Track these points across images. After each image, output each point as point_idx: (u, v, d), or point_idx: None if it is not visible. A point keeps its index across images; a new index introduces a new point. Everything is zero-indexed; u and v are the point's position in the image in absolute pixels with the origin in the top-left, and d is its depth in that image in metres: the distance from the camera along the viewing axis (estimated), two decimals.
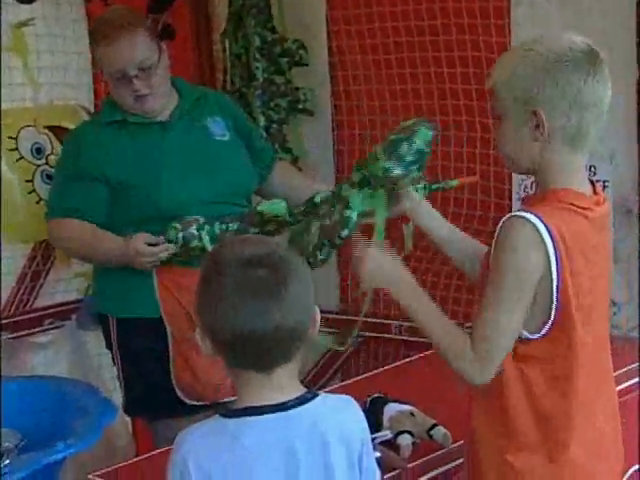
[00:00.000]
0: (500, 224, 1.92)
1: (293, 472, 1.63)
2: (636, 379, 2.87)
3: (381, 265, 2.09)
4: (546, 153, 1.95)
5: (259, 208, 2.73)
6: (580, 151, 1.97)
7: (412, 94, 3.61)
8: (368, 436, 1.75)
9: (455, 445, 2.32)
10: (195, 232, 2.74)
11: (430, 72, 3.53)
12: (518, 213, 1.91)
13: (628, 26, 3.05)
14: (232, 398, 2.93)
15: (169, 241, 2.75)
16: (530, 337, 1.94)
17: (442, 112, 3.55)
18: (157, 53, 2.90)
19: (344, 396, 1.75)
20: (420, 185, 2.34)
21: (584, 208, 1.95)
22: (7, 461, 2.57)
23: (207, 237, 2.73)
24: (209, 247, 2.71)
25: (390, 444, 2.27)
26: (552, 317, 1.91)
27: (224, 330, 1.61)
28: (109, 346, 3.07)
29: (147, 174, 2.87)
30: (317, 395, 1.69)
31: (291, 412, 1.64)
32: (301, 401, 1.65)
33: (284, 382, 1.65)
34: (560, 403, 1.97)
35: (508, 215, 1.93)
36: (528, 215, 1.88)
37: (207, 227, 2.74)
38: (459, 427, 2.32)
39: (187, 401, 2.94)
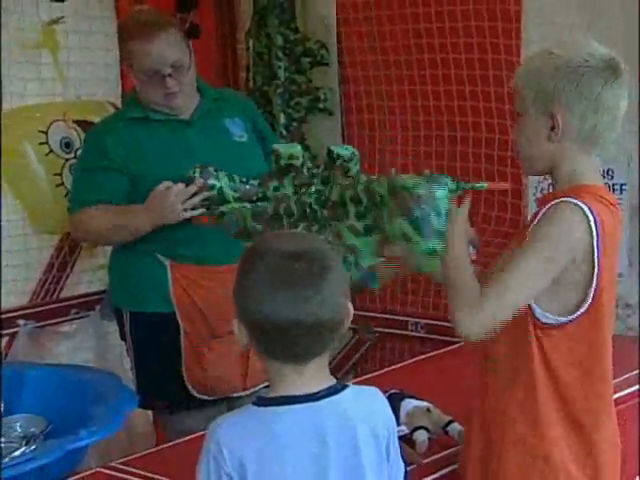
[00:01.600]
0: (546, 207, 1.92)
1: (324, 460, 1.64)
2: None
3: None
4: (560, 153, 1.97)
5: (275, 146, 2.69)
6: (592, 153, 2.00)
7: (421, 95, 3.62)
8: (395, 427, 1.76)
9: None
10: (213, 172, 2.70)
11: (438, 74, 3.55)
12: (567, 199, 1.91)
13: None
14: (242, 393, 2.99)
15: (188, 178, 2.71)
16: (560, 320, 1.94)
17: (449, 112, 3.57)
18: (188, 53, 2.91)
19: (371, 387, 1.76)
20: (452, 183, 2.30)
21: (613, 205, 1.97)
22: (33, 446, 2.55)
23: (226, 179, 2.70)
24: (229, 194, 2.68)
25: (406, 439, 2.26)
26: (590, 300, 1.92)
27: (264, 320, 1.61)
28: (123, 338, 3.09)
29: (168, 168, 2.86)
30: (347, 386, 1.70)
31: (322, 402, 1.65)
32: (331, 392, 1.66)
33: (316, 373, 1.66)
34: (585, 392, 2.00)
35: (556, 200, 1.92)
36: (577, 201, 1.89)
37: (226, 174, 2.72)
38: None
39: (198, 396, 2.95)
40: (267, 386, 2.97)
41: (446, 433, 2.33)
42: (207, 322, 2.92)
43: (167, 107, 2.92)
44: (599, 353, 2.00)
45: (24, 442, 2.60)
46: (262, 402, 1.68)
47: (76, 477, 2.32)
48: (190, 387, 2.94)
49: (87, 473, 2.34)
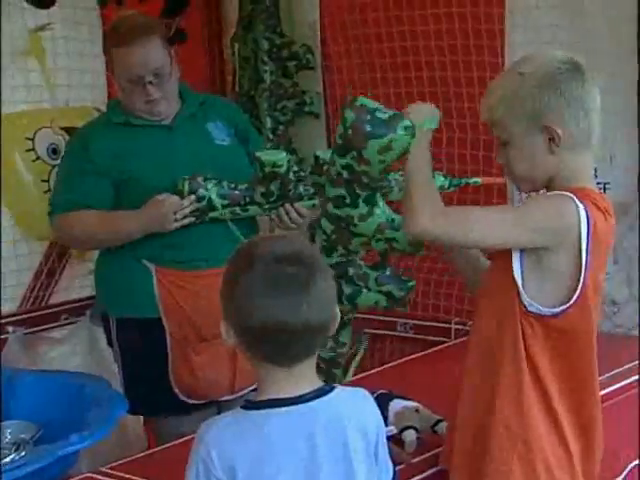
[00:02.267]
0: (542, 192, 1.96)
1: (314, 462, 1.64)
2: (636, 377, 2.84)
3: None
4: (559, 162, 1.97)
5: (257, 154, 2.69)
6: (591, 152, 2.01)
7: (406, 97, 3.58)
8: (383, 428, 1.77)
9: None
10: (202, 182, 2.74)
11: (423, 76, 3.55)
12: (562, 192, 1.93)
13: (628, 30, 3.04)
14: (231, 397, 2.97)
15: (178, 192, 2.74)
16: (550, 312, 1.94)
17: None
18: (169, 60, 2.89)
19: (359, 389, 1.76)
20: (445, 180, 2.27)
21: (605, 209, 1.97)
22: (23, 453, 2.55)
23: (214, 189, 2.74)
24: (217, 202, 2.73)
25: (395, 439, 2.25)
26: (578, 292, 1.92)
27: (254, 323, 1.60)
28: (110, 344, 3.07)
29: (150, 173, 2.86)
30: (334, 388, 1.70)
31: (312, 403, 1.65)
32: (320, 393, 1.66)
33: (305, 375, 1.66)
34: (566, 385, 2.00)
35: (551, 193, 1.95)
36: (572, 195, 1.91)
37: (214, 182, 2.75)
38: None
39: (186, 400, 2.93)
40: (256, 389, 2.99)
41: (435, 432, 2.32)
42: (194, 326, 2.90)
43: (149, 114, 2.90)
44: (582, 349, 2.00)
45: (14, 448, 2.59)
46: (252, 405, 1.67)
47: None
48: (178, 392, 2.92)
49: (78, 478, 2.32)
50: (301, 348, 1.64)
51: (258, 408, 1.65)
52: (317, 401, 1.65)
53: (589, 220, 1.90)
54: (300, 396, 1.64)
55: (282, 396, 1.64)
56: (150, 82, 2.83)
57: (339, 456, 1.66)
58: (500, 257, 1.98)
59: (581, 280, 1.92)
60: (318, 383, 1.69)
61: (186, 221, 2.80)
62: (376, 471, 1.73)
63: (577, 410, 2.03)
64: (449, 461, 2.12)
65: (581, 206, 1.90)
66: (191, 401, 2.93)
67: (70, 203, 2.92)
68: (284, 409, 1.63)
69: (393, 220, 2.13)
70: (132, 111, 2.92)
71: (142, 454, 2.53)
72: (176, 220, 2.79)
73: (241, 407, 1.67)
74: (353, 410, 1.69)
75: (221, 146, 2.98)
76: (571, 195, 1.91)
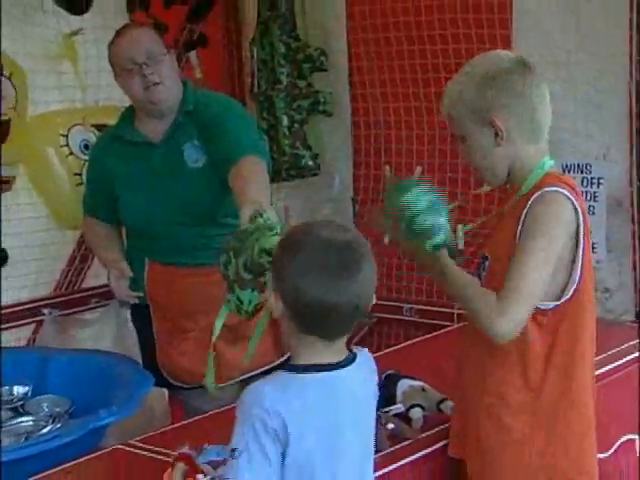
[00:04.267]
0: (535, 197, 1.91)
1: (341, 421, 1.69)
2: (635, 354, 2.86)
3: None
4: (512, 153, 1.98)
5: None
6: (541, 141, 2.01)
7: (424, 97, 3.60)
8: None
9: None
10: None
11: (441, 77, 3.49)
12: (552, 189, 1.91)
13: (622, 32, 3.03)
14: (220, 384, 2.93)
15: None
16: (550, 306, 1.94)
17: None
18: (163, 46, 2.81)
19: (364, 352, 1.79)
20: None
21: (574, 188, 1.97)
22: (58, 424, 2.57)
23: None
24: None
25: (403, 417, 2.26)
26: (576, 281, 1.93)
27: (308, 301, 1.63)
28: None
29: (127, 191, 2.86)
30: (356, 355, 1.75)
31: (344, 370, 1.70)
32: (348, 362, 1.71)
33: (341, 347, 1.72)
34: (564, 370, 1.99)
35: (541, 191, 1.92)
36: (561, 189, 1.91)
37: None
38: None
39: (174, 383, 2.92)
40: (242, 380, 2.91)
41: (440, 410, 2.31)
42: (175, 319, 2.87)
43: (151, 104, 2.79)
44: (579, 336, 1.99)
45: (51, 420, 2.62)
46: (294, 369, 1.70)
47: (97, 454, 2.29)
48: (165, 375, 2.90)
49: (107, 450, 2.31)
50: (345, 326, 1.69)
51: (301, 372, 1.69)
52: (349, 367, 1.71)
53: (578, 205, 1.91)
54: (337, 363, 1.69)
55: (322, 362, 1.69)
56: (145, 64, 2.72)
57: (368, 413, 1.77)
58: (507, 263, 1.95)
59: (579, 264, 1.92)
60: (347, 352, 1.74)
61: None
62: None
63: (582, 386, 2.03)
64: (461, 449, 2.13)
65: (568, 193, 1.91)
66: (177, 384, 2.91)
67: (86, 208, 3.01)
68: (319, 374, 1.68)
69: None
70: (135, 104, 2.86)
71: (167, 428, 2.52)
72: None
73: (284, 370, 1.71)
74: (371, 374, 1.79)
75: (193, 168, 2.82)
76: (555, 189, 1.91)
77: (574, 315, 1.97)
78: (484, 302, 1.89)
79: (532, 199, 1.91)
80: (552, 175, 1.98)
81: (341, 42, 3.77)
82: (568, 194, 1.91)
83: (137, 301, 2.86)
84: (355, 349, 1.77)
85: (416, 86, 3.59)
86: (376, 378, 1.82)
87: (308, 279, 1.63)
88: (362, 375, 1.75)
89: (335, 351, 1.70)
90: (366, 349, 1.80)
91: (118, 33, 2.85)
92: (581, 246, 1.92)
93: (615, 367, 2.74)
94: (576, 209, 1.91)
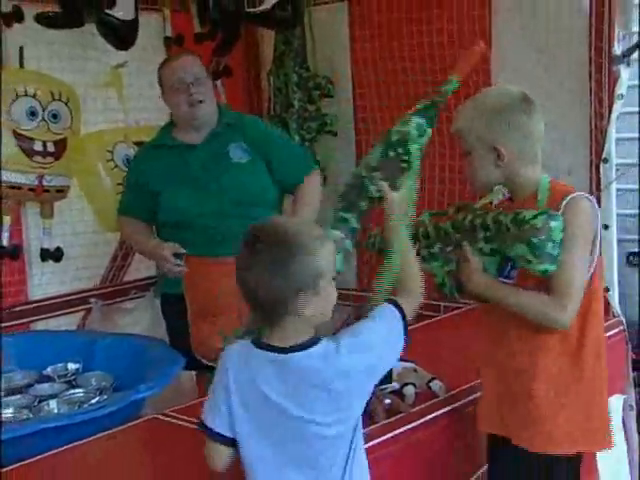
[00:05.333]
0: (566, 203, 1.95)
1: (274, 400, 1.65)
2: (621, 327, 2.98)
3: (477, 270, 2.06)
4: (509, 172, 2.02)
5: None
6: (538, 166, 2.05)
7: None
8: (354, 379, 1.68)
9: (449, 394, 2.33)
10: None
11: None
12: (579, 194, 1.97)
13: (582, 68, 3.03)
14: None
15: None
16: None
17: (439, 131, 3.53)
18: (206, 72, 2.90)
19: (338, 346, 1.66)
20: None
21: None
22: (105, 396, 2.59)
23: None
24: None
25: (397, 393, 2.27)
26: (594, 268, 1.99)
27: (244, 291, 1.66)
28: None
29: (173, 186, 2.85)
30: (317, 342, 1.65)
31: (285, 355, 1.64)
32: (297, 349, 1.64)
33: (288, 332, 1.65)
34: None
35: (571, 196, 1.96)
36: (587, 195, 2.00)
37: None
38: (452, 380, 2.36)
39: (205, 362, 2.86)
40: None
41: (429, 388, 2.32)
42: (209, 304, 2.85)
43: (193, 118, 2.86)
44: (597, 314, 2.05)
45: (98, 393, 2.64)
46: (254, 342, 1.69)
47: (137, 422, 2.32)
48: (197, 355, 2.88)
49: (145, 419, 2.35)
50: (267, 314, 1.64)
51: (257, 347, 1.68)
52: (291, 355, 1.63)
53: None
54: (282, 348, 1.64)
55: (271, 343, 1.66)
56: (192, 84, 2.81)
57: (300, 402, 1.63)
58: None
59: (595, 258, 1.98)
60: (304, 338, 1.65)
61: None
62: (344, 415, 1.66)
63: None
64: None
65: (592, 198, 1.99)
66: (209, 364, 2.82)
67: (122, 209, 3.01)
68: (271, 354, 1.64)
69: None
70: (179, 120, 2.90)
71: (194, 401, 2.51)
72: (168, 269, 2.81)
73: (250, 341, 1.70)
74: (321, 366, 1.63)
75: (238, 163, 2.88)
76: (581, 194, 1.97)
77: (594, 296, 2.02)
78: (542, 303, 1.95)
79: (565, 204, 1.94)
80: (558, 184, 2.04)
81: (345, 72, 3.77)
82: (591, 199, 1.98)
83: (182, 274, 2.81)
84: (329, 342, 1.65)
85: (410, 110, 3.60)
86: (335, 370, 1.63)
87: (247, 272, 1.65)
88: (313, 364, 1.63)
89: (281, 337, 1.64)
90: (342, 346, 1.64)
91: (170, 58, 2.95)
92: (599, 239, 1.98)
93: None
94: (597, 212, 1.98)
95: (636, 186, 3.59)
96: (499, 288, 2.01)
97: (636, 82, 3.42)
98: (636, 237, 4.31)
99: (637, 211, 3.65)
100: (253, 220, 2.79)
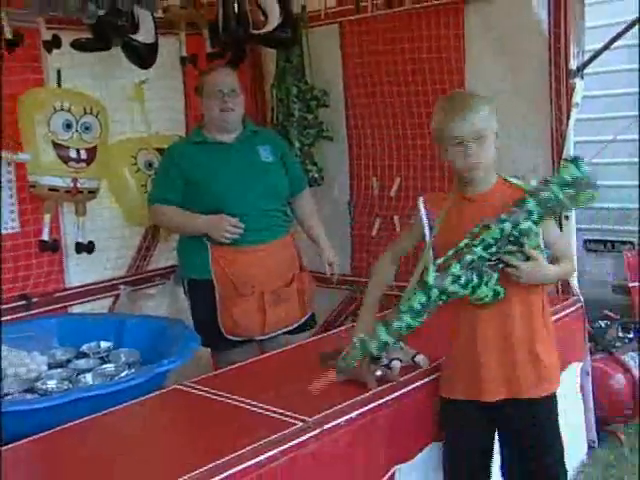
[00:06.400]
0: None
1: None
2: (579, 304, 3.04)
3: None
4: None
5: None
6: None
7: (402, 125, 3.60)
8: None
9: (431, 366, 2.35)
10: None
11: (413, 111, 3.53)
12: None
13: (542, 78, 3.05)
14: (262, 337, 2.95)
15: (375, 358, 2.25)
16: None
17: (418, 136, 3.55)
18: (240, 86, 2.97)
19: None
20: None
21: None
22: (133, 370, 2.61)
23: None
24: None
25: (387, 366, 2.29)
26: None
27: None
28: (185, 295, 3.12)
29: (210, 178, 2.89)
30: None
31: None
32: None
33: None
34: None
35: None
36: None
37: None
38: (433, 353, 2.36)
39: (230, 338, 2.94)
40: (284, 332, 2.96)
41: (414, 362, 2.34)
42: (234, 286, 2.90)
43: (222, 122, 2.92)
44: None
45: (127, 367, 2.66)
46: None
47: (161, 391, 2.34)
48: (224, 332, 2.92)
49: (168, 389, 2.36)
50: None
51: None
52: None
53: None
54: None
55: None
56: (227, 94, 2.88)
57: None
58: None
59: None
60: None
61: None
62: None
63: None
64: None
65: None
66: (234, 338, 2.94)
67: (158, 197, 2.99)
68: None
69: None
70: (210, 123, 2.94)
71: (210, 374, 2.53)
72: (224, 237, 2.83)
73: None
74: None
75: (266, 162, 2.99)
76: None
77: None
78: (568, 266, 2.16)
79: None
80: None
81: (339, 86, 3.76)
82: None
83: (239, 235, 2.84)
84: None
85: (395, 117, 3.58)
86: None
87: None
88: None
89: None
90: None
91: (213, 68, 3.03)
92: None
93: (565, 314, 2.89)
94: None
95: None
96: (552, 270, 2.08)
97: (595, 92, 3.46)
98: (593, 226, 4.38)
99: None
100: (271, 212, 2.94)
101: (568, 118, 2.98)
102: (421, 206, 2.16)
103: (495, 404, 2.13)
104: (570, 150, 3.01)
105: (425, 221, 2.14)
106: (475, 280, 2.00)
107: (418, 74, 3.45)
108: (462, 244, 2.00)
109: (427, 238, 2.12)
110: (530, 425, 2.14)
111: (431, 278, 2.00)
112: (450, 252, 2.00)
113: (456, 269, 1.99)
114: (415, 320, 2.05)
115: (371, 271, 2.37)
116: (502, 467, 2.24)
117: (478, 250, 1.99)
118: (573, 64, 2.96)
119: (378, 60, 3.58)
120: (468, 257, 1.99)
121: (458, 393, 2.18)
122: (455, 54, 3.31)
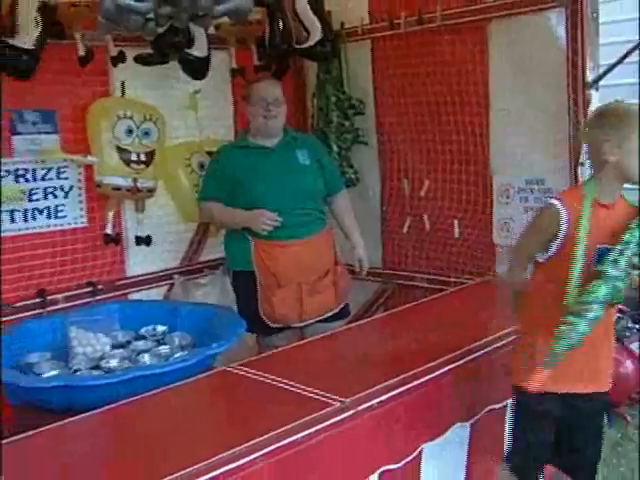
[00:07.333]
0: None
1: None
2: None
3: None
4: None
5: None
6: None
7: (430, 131, 3.56)
8: None
9: (452, 355, 2.30)
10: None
11: (441, 119, 3.49)
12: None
13: (561, 89, 3.01)
14: (299, 324, 2.93)
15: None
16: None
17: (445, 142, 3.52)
18: (283, 96, 2.95)
19: None
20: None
21: None
22: (186, 352, 2.62)
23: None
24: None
25: None
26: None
27: None
28: (231, 285, 3.12)
29: (256, 178, 2.89)
30: None
31: None
32: None
33: None
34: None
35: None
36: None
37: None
38: (457, 341, 2.33)
39: (270, 325, 2.93)
40: (319, 320, 2.98)
41: None
42: (275, 277, 2.90)
43: (265, 128, 2.91)
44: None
45: (180, 349, 2.68)
46: None
47: (211, 372, 2.34)
48: (265, 319, 2.92)
49: (216, 370, 2.36)
50: None
51: None
52: None
53: None
54: None
55: None
56: (271, 103, 2.88)
57: None
58: None
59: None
60: None
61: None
62: None
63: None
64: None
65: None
66: (274, 325, 2.94)
67: (207, 196, 3.01)
68: None
69: None
70: (254, 129, 2.94)
71: (255, 358, 2.52)
72: (263, 229, 2.83)
73: None
74: None
75: (304, 165, 2.98)
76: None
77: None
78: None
79: None
80: None
81: (370, 95, 3.74)
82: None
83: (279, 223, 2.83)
84: None
85: (425, 124, 3.54)
86: None
87: None
88: None
89: None
90: None
91: (259, 79, 3.03)
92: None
93: None
94: None
95: None
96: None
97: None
98: None
99: None
100: (307, 211, 2.94)
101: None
102: (560, 205, 1.96)
103: (582, 396, 2.05)
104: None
105: (565, 219, 1.94)
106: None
107: (445, 85, 3.41)
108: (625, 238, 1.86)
109: (578, 238, 1.91)
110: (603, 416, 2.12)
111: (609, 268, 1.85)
112: (618, 247, 1.87)
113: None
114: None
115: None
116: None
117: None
118: (589, 77, 2.94)
119: (405, 73, 3.56)
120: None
121: (565, 386, 2.04)
122: (479, 68, 3.28)
